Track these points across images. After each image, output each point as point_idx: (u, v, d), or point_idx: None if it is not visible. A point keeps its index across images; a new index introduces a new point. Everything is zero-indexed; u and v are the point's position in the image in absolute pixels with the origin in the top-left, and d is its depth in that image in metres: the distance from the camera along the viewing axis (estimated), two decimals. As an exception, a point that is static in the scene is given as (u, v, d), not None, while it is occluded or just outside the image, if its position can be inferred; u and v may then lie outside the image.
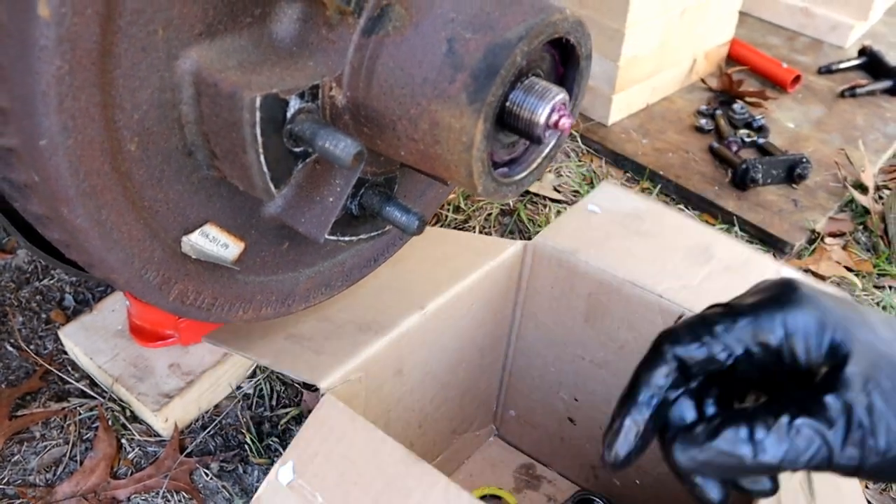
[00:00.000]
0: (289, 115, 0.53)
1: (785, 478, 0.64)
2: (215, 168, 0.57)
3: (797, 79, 1.78)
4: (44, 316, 1.16)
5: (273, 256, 0.68)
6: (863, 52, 1.90)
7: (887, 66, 1.83)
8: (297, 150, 0.55)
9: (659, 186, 1.47)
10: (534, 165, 0.60)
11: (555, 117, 0.54)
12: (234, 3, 0.53)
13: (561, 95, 0.54)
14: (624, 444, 0.46)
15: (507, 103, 0.54)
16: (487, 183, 0.55)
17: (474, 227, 1.34)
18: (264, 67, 0.54)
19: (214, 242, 0.61)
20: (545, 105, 0.53)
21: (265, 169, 0.54)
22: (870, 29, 2.05)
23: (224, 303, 0.66)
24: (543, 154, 0.60)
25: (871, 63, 1.87)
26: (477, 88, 0.51)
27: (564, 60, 0.59)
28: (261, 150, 0.53)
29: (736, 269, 0.83)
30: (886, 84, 1.80)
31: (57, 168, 0.49)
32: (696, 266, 0.82)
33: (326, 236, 0.62)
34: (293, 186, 0.60)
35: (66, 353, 1.09)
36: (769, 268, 0.84)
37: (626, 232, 0.87)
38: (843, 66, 1.87)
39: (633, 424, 0.46)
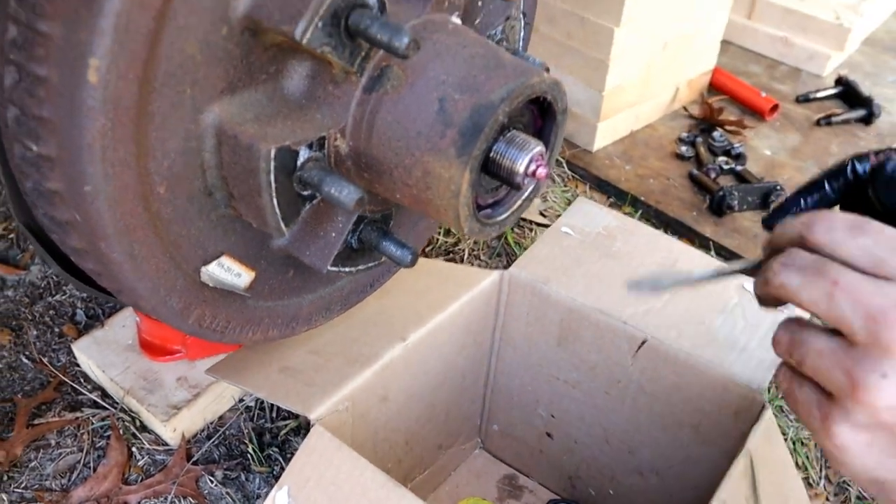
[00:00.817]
0: (299, 163, 0.61)
1: (731, 492, 0.71)
2: (232, 207, 0.64)
3: (775, 108, 1.87)
4: (57, 330, 1.22)
5: (280, 284, 0.75)
6: (839, 81, 1.99)
7: (862, 96, 1.92)
8: (304, 193, 0.63)
9: (640, 211, 1.55)
10: (514, 208, 0.67)
11: (533, 167, 0.61)
12: (251, 63, 0.61)
13: (538, 148, 0.61)
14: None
15: (491, 154, 0.61)
16: (472, 224, 0.63)
17: (464, 250, 1.41)
18: (277, 120, 0.62)
19: (229, 272, 0.68)
20: (524, 156, 0.61)
21: (277, 210, 0.61)
22: (847, 59, 2.14)
23: (236, 325, 0.73)
24: (523, 198, 0.68)
25: (847, 92, 1.96)
26: (464, 143, 0.59)
27: (543, 114, 0.67)
28: (274, 194, 0.60)
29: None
30: (861, 113, 1.88)
31: (98, 209, 0.56)
32: (662, 289, 0.90)
33: (328, 268, 0.69)
34: (300, 223, 0.67)
35: (78, 365, 1.16)
36: (731, 283, 0.92)
37: (597, 255, 0.94)
38: (819, 95, 1.96)
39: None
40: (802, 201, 0.61)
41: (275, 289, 0.75)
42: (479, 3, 0.72)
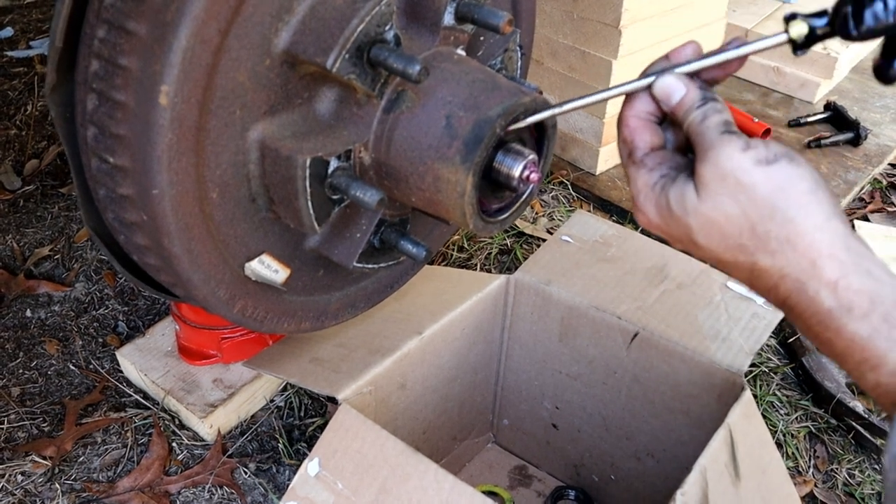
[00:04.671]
0: (329, 171, 0.72)
1: (712, 458, 0.80)
2: (272, 211, 0.75)
3: (767, 132, 1.97)
4: (100, 340, 1.33)
5: (311, 281, 0.86)
6: (828, 106, 2.10)
7: (849, 120, 2.02)
8: (334, 197, 0.74)
9: (640, 229, 1.65)
10: (514, 209, 0.78)
11: (526, 173, 0.72)
12: (289, 90, 0.72)
13: (531, 156, 0.72)
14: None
15: (494, 163, 0.72)
16: (477, 221, 0.73)
17: (476, 265, 1.52)
18: (311, 136, 0.73)
19: (268, 268, 0.79)
20: (519, 163, 0.71)
21: (311, 211, 0.72)
22: (836, 86, 2.25)
23: (274, 316, 0.83)
24: (521, 200, 0.78)
25: (836, 116, 2.06)
26: (467, 152, 0.69)
27: (538, 130, 0.78)
28: (308, 198, 0.71)
29: (687, 285, 1.00)
30: (848, 136, 1.99)
31: (163, 210, 0.67)
32: (651, 287, 1.00)
33: (354, 264, 0.80)
34: (329, 225, 0.78)
35: (120, 371, 1.26)
36: (716, 282, 1.02)
37: (594, 259, 1.05)
38: (810, 119, 2.06)
39: None
40: None
41: (307, 285, 0.85)
42: (481, 38, 0.84)
